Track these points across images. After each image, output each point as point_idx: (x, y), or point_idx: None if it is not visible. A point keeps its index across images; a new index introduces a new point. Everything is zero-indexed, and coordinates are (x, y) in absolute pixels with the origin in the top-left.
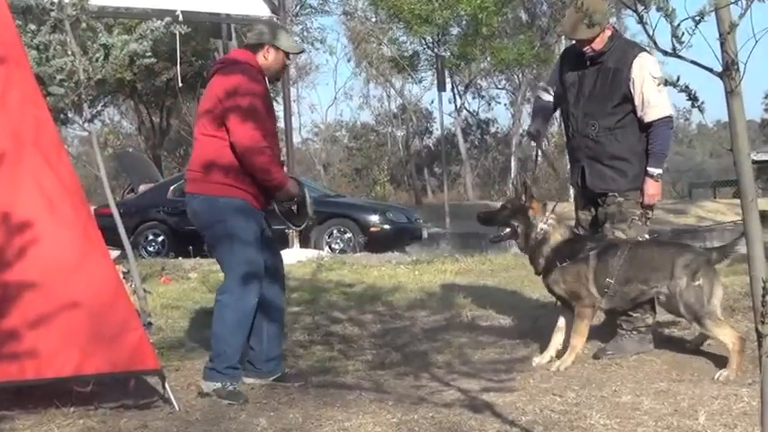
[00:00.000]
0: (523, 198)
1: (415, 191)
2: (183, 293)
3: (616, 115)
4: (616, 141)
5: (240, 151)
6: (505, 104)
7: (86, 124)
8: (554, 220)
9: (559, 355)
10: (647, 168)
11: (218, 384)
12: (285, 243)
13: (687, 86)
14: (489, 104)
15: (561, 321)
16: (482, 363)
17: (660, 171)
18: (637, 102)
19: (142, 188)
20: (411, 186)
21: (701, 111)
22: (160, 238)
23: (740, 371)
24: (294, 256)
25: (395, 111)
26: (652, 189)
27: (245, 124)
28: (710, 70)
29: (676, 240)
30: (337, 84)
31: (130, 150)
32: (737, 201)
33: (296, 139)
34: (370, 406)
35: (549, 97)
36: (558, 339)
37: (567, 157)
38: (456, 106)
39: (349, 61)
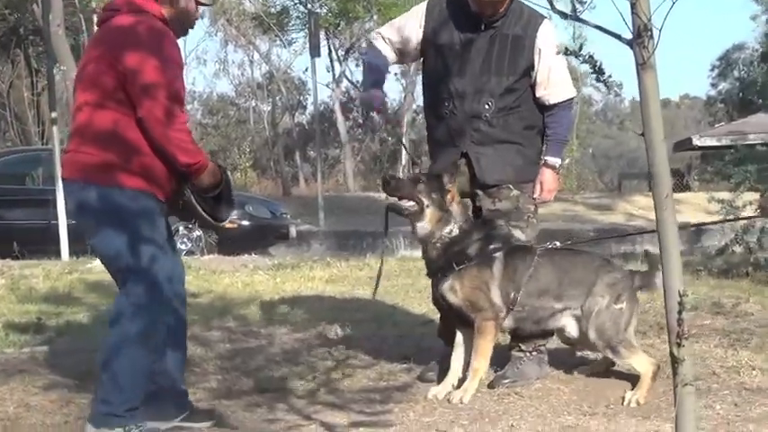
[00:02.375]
0: (446, 178)
1: (283, 179)
2: None
3: (515, 92)
4: (512, 124)
5: (152, 128)
6: (396, 74)
7: None
8: (465, 213)
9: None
10: (546, 158)
11: (120, 430)
12: None
13: (591, 56)
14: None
15: (459, 338)
16: (352, 391)
17: (560, 161)
18: (539, 78)
19: None
20: (278, 174)
21: (608, 87)
22: None
23: (650, 395)
24: None
25: (260, 80)
26: (552, 182)
27: (157, 94)
28: (619, 37)
29: (592, 251)
30: (187, 45)
31: None
32: (680, 195)
33: None
34: None
35: (388, 52)
36: (457, 363)
37: (428, 143)
38: (334, 75)
39: (202, 18)
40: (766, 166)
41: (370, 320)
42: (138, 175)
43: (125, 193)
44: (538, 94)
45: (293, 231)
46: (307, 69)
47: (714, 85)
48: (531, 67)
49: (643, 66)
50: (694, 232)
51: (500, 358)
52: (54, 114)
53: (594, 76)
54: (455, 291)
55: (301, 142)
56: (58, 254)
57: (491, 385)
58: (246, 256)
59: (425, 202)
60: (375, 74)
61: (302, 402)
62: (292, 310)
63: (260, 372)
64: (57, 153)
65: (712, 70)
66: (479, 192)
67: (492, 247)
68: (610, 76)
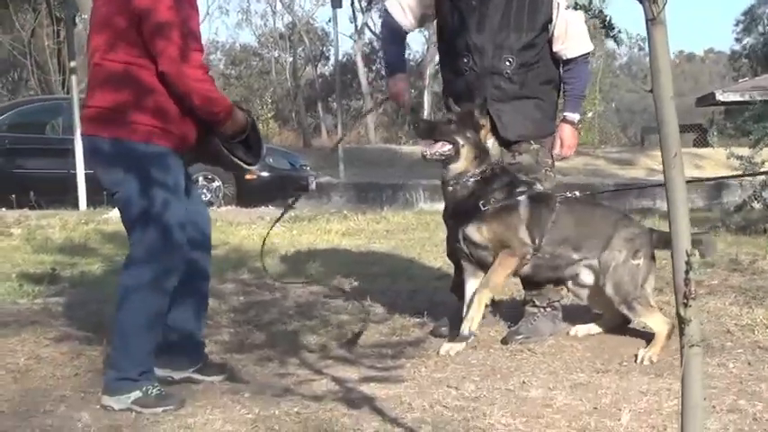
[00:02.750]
0: (477, 113)
1: (304, 130)
2: (1, 254)
3: (535, 48)
4: (531, 79)
5: (175, 79)
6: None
7: None
8: (499, 149)
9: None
10: (565, 113)
11: (137, 393)
12: None
13: (601, 11)
14: None
15: (470, 293)
16: (365, 346)
17: (578, 116)
18: (557, 32)
19: None
20: (300, 125)
21: (618, 42)
22: None
23: (665, 353)
24: None
25: (282, 30)
26: (571, 138)
27: (178, 42)
28: None
29: (611, 205)
30: None
31: None
32: (699, 150)
33: None
34: (221, 398)
35: (407, 20)
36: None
37: (448, 98)
38: (357, 27)
39: None
40: None
41: (384, 274)
42: (159, 129)
43: (137, 144)
44: (555, 49)
45: (313, 183)
46: (330, 20)
47: (738, 40)
48: (550, 21)
49: (653, 21)
50: (714, 188)
51: (514, 314)
52: (73, 63)
53: (604, 30)
54: (481, 230)
55: (324, 94)
56: (76, 204)
57: (504, 341)
58: (263, 207)
59: (461, 141)
60: (394, 56)
61: (314, 357)
62: (307, 263)
63: (273, 325)
64: (75, 102)
65: (737, 25)
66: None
67: (518, 190)
68: (620, 31)
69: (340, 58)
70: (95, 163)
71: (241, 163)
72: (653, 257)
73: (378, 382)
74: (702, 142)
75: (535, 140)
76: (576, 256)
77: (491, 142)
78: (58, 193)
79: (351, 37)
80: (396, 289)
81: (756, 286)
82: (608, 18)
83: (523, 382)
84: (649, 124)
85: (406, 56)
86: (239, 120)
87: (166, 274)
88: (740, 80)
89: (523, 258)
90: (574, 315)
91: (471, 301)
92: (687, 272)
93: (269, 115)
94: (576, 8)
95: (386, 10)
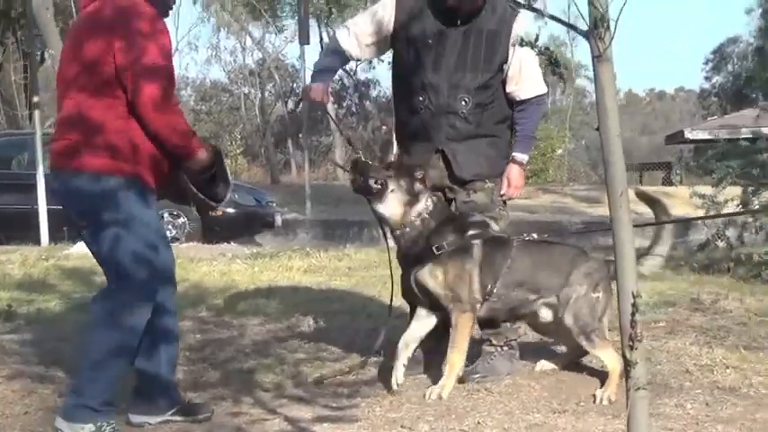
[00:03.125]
0: (417, 171)
1: (272, 167)
2: None
3: (490, 88)
4: (486, 119)
5: (149, 114)
6: (389, 63)
7: None
8: (437, 196)
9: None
10: (514, 154)
11: (91, 426)
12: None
13: (547, 47)
14: (370, 63)
15: (418, 312)
16: (320, 385)
17: (527, 157)
18: (511, 72)
19: None
20: (268, 161)
21: (564, 80)
22: None
23: (621, 392)
24: None
25: (252, 67)
26: (518, 178)
27: (153, 84)
28: (575, 28)
29: (568, 242)
30: (179, 31)
31: None
32: (667, 188)
33: None
34: None
35: (355, 49)
36: (405, 354)
37: (398, 136)
38: None
39: (195, 3)
40: (749, 161)
41: (344, 312)
42: (129, 162)
43: (105, 175)
44: (508, 89)
45: (279, 220)
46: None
47: (708, 79)
48: (506, 61)
49: (599, 58)
50: (681, 226)
51: (470, 353)
52: (36, 99)
53: (551, 68)
54: (436, 277)
55: (293, 129)
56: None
57: (461, 380)
58: (225, 244)
59: (391, 186)
60: (324, 66)
61: (268, 396)
62: (266, 300)
63: (228, 364)
64: (38, 138)
65: (706, 63)
66: (454, 186)
67: (471, 233)
68: (566, 68)
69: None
70: (63, 196)
71: (208, 200)
72: (611, 289)
73: (331, 422)
74: (670, 180)
75: (489, 179)
76: (533, 297)
77: (424, 193)
78: (23, 229)
79: None
80: (354, 327)
81: (717, 326)
82: (553, 55)
83: (478, 423)
84: None
85: (334, 73)
86: (206, 155)
87: (140, 304)
88: (709, 118)
89: (474, 311)
90: (530, 353)
91: (404, 352)
92: (633, 313)
93: (238, 151)
94: (521, 45)
95: (335, 35)
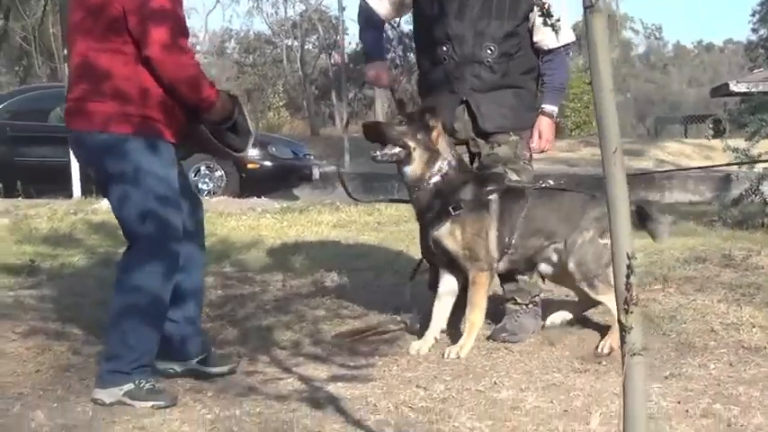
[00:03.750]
0: (428, 116)
1: (311, 119)
2: None
3: (517, 36)
4: (512, 69)
5: (165, 66)
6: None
7: None
8: (456, 151)
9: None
10: (544, 105)
11: (130, 385)
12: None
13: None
14: None
15: (442, 288)
16: (338, 343)
17: (557, 109)
18: (537, 21)
19: None
20: (309, 114)
21: (555, 30)
22: None
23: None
24: None
25: (295, 19)
26: (549, 131)
27: (162, 27)
28: None
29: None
30: None
31: None
32: (709, 142)
33: None
34: (183, 397)
35: (382, 8)
36: (439, 315)
37: (421, 89)
38: None
39: None
40: None
41: (369, 268)
42: (148, 119)
43: (119, 135)
44: (535, 39)
45: (316, 173)
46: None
47: (755, 30)
48: (532, 9)
49: (590, 9)
50: (723, 180)
51: (495, 311)
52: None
53: (542, 19)
54: (455, 236)
55: (337, 82)
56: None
57: (491, 337)
58: (255, 199)
59: (411, 144)
60: (371, 42)
61: (285, 354)
62: (292, 256)
63: (247, 321)
64: None
65: (753, 15)
66: (477, 138)
67: (487, 189)
68: (558, 20)
69: (354, 46)
70: (80, 156)
71: (229, 150)
72: None
73: (346, 381)
74: (718, 133)
75: (514, 132)
76: (546, 243)
77: (444, 143)
78: (60, 182)
79: None
80: (378, 283)
81: (747, 282)
82: (547, 5)
83: (495, 383)
84: (666, 114)
85: (383, 43)
86: (226, 105)
87: (167, 263)
88: (755, 71)
89: (491, 269)
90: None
91: (441, 314)
92: (628, 275)
93: (280, 104)
94: None
95: (366, 4)
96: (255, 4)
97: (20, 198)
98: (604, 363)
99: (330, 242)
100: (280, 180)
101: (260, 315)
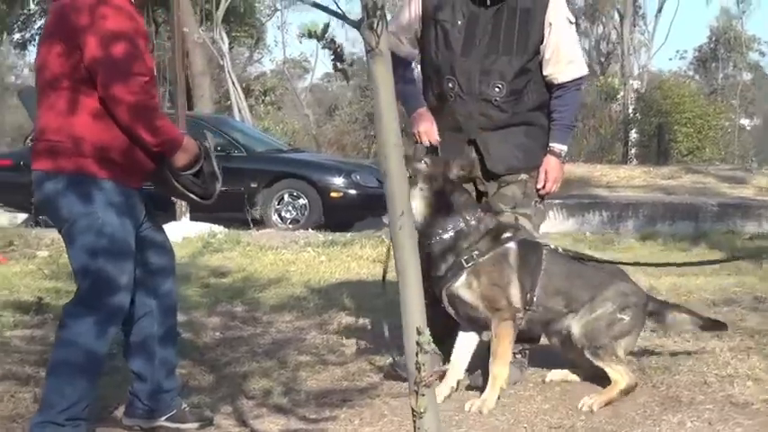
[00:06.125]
0: (455, 169)
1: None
2: (4, 279)
3: (527, 73)
4: (523, 106)
5: (123, 113)
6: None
7: None
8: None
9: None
10: (552, 144)
11: None
12: (172, 214)
13: (333, 40)
14: None
15: (461, 338)
16: (310, 392)
17: (566, 148)
18: (547, 55)
19: None
20: None
21: (347, 77)
22: None
23: (610, 406)
24: (180, 232)
25: None
26: (557, 170)
27: (126, 73)
28: (346, 18)
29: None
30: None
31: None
32: None
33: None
34: None
35: (403, 46)
36: (460, 362)
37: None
38: None
39: None
40: None
41: (383, 309)
42: (107, 162)
43: (92, 182)
44: (545, 72)
45: None
46: None
47: None
48: (542, 42)
49: (371, 53)
50: None
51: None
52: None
53: (333, 61)
54: (472, 287)
55: None
56: None
57: (470, 387)
58: (300, 232)
59: (420, 183)
60: (407, 92)
61: (249, 404)
62: (310, 295)
63: (228, 366)
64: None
65: None
66: (484, 177)
67: (505, 236)
68: (350, 64)
69: None
70: (43, 200)
71: (193, 196)
72: (642, 320)
73: None
74: None
75: (525, 172)
76: (565, 310)
77: (457, 198)
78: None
79: None
80: (389, 324)
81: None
82: (339, 47)
83: None
84: None
85: (418, 89)
86: (191, 149)
87: (109, 316)
88: None
89: (515, 319)
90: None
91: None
92: (417, 353)
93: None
94: (309, 37)
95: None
96: None
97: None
98: (581, 421)
99: (357, 280)
100: (365, 209)
101: (244, 360)
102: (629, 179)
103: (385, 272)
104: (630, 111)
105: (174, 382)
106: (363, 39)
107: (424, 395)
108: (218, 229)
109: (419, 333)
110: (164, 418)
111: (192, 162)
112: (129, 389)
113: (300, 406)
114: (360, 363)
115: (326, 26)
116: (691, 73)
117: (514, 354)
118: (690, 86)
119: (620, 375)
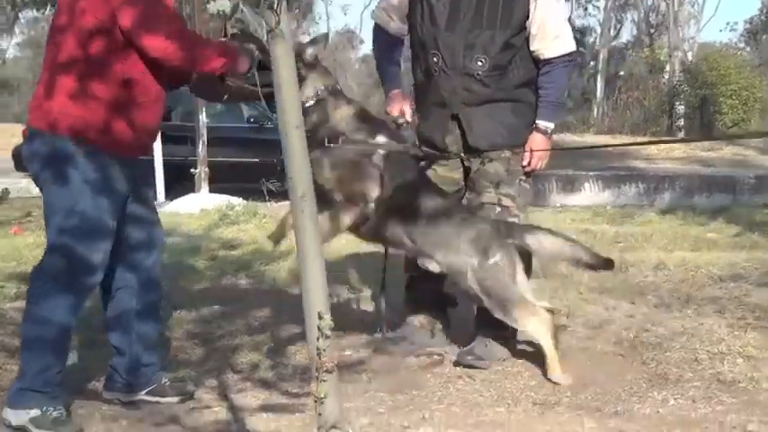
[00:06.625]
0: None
1: None
2: (15, 250)
3: (512, 48)
4: (507, 81)
5: (178, 64)
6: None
7: None
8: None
9: None
10: (538, 121)
11: (36, 412)
12: (190, 186)
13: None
14: (586, 9)
15: None
16: (297, 366)
17: (552, 125)
18: (533, 30)
19: None
20: None
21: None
22: None
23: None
24: (198, 204)
25: None
26: (542, 147)
27: (164, 31)
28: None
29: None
30: None
31: None
32: None
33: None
34: (95, 426)
35: (393, 22)
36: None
37: (416, 102)
38: None
39: None
40: None
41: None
42: (77, 116)
43: (59, 138)
44: (532, 48)
45: None
46: None
47: None
48: (527, 17)
49: (271, 33)
50: None
51: (468, 334)
52: None
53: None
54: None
55: None
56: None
57: (457, 361)
58: None
59: None
60: (385, 71)
61: (234, 379)
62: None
63: (220, 340)
64: None
65: None
66: (468, 153)
67: None
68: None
69: None
70: (33, 162)
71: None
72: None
73: (275, 412)
74: None
75: (509, 148)
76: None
77: None
78: (174, 181)
79: None
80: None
81: None
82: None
83: (423, 418)
84: None
85: (399, 71)
86: (242, 53)
87: (78, 293)
88: None
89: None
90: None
91: None
92: (318, 338)
93: None
94: (218, 16)
95: (376, 27)
96: None
97: None
98: (567, 398)
99: (366, 255)
100: None
101: (237, 333)
102: (668, 151)
103: (387, 250)
104: (676, 82)
105: (155, 356)
106: (265, 19)
107: (325, 380)
108: (237, 201)
109: (320, 318)
110: (143, 392)
111: (247, 67)
112: (109, 362)
113: (285, 380)
114: (353, 337)
115: (236, 5)
116: (741, 45)
117: (503, 331)
118: (736, 58)
119: (541, 332)
